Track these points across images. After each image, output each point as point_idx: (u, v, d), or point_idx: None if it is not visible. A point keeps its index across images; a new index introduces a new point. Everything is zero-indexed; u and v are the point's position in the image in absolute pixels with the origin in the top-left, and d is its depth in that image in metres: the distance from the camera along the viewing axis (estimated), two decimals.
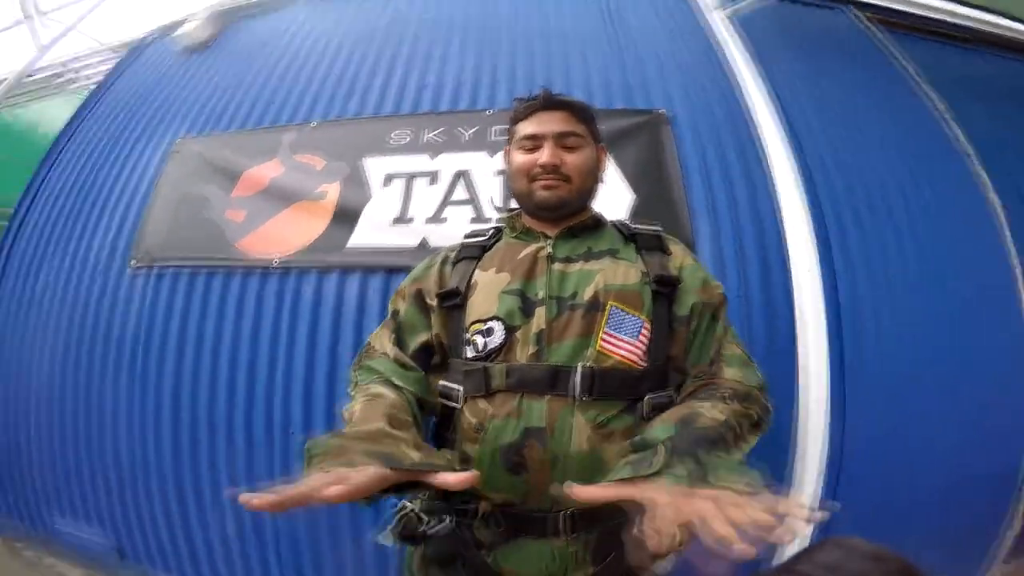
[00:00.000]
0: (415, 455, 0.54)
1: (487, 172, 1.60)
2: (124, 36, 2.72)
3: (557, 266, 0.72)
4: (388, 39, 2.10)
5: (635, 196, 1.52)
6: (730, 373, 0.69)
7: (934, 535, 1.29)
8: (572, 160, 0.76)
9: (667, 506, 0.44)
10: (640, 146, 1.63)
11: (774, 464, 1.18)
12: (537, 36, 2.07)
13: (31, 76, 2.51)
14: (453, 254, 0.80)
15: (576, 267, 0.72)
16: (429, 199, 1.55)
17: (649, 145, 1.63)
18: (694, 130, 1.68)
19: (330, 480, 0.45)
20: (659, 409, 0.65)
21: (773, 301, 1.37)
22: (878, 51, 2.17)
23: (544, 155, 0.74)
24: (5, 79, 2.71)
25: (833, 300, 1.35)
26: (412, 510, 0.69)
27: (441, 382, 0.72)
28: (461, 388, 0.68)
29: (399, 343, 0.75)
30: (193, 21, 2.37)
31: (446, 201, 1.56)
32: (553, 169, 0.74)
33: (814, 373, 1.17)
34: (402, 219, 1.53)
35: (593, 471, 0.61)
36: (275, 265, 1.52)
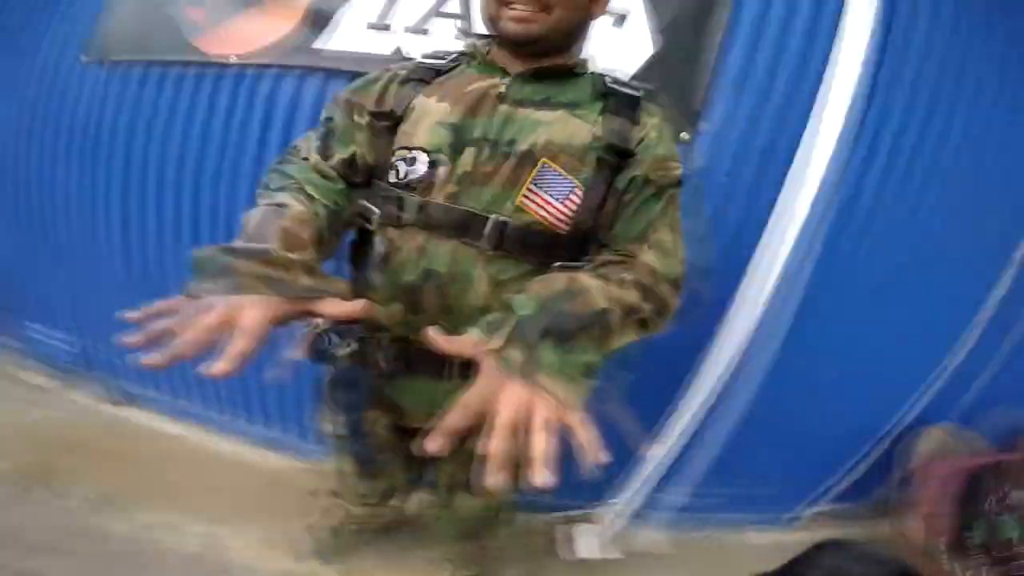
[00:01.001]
0: (305, 281, 0.48)
1: None
2: None
3: (504, 107, 0.65)
4: None
5: (654, 48, 1.26)
6: (647, 258, 0.61)
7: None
8: None
9: (484, 386, 0.42)
10: None
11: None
12: None
13: None
14: (404, 73, 0.72)
15: (524, 113, 0.64)
16: (414, 5, 1.36)
17: None
18: None
19: (220, 328, 0.40)
20: None
21: (761, 200, 1.21)
22: None
23: None
24: None
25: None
26: (324, 329, 0.68)
27: (361, 201, 0.68)
28: (378, 212, 0.66)
29: (324, 150, 0.69)
30: None
31: (433, 11, 1.36)
32: None
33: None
34: (378, 24, 1.34)
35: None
36: (232, 62, 1.35)
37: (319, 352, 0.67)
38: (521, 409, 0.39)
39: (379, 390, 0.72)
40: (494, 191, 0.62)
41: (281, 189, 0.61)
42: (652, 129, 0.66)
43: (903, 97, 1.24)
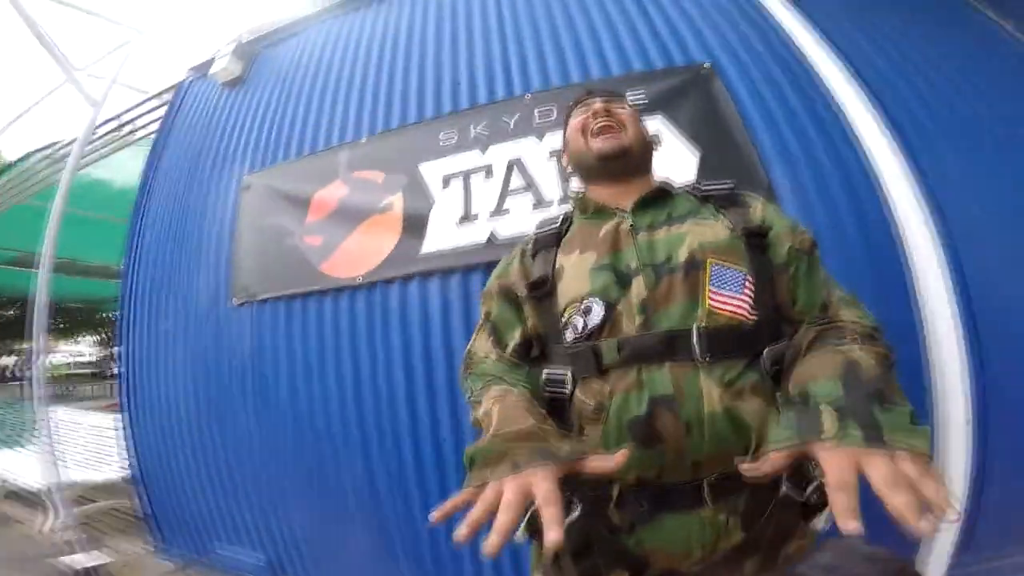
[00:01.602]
0: (565, 446, 0.54)
1: (539, 156, 1.62)
2: (163, 82, 2.89)
3: (642, 235, 0.71)
4: (412, 43, 2.12)
5: (699, 153, 1.49)
6: (847, 315, 0.66)
7: None
8: (621, 112, 0.80)
9: (842, 469, 0.43)
10: (693, 103, 1.58)
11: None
12: (559, 12, 2.02)
13: (95, 134, 2.74)
14: (530, 246, 0.81)
15: (661, 233, 0.71)
16: (489, 193, 1.60)
17: (702, 101, 1.58)
18: (746, 79, 1.62)
19: (521, 501, 0.46)
20: (780, 361, 0.63)
21: (874, 242, 1.31)
22: None
23: (596, 104, 0.80)
24: (67, 141, 2.95)
25: (945, 234, 1.26)
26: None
27: (545, 371, 0.70)
28: (569, 372, 0.67)
29: (498, 344, 0.76)
30: (221, 58, 2.48)
31: (505, 192, 1.60)
32: (606, 112, 0.78)
33: (942, 317, 1.08)
34: (467, 218, 1.59)
35: (731, 431, 0.59)
36: (360, 283, 1.62)
37: (539, 527, 0.68)
38: (891, 468, 0.42)
39: (619, 547, 0.65)
40: (680, 305, 0.64)
41: (486, 387, 0.69)
42: (765, 207, 0.75)
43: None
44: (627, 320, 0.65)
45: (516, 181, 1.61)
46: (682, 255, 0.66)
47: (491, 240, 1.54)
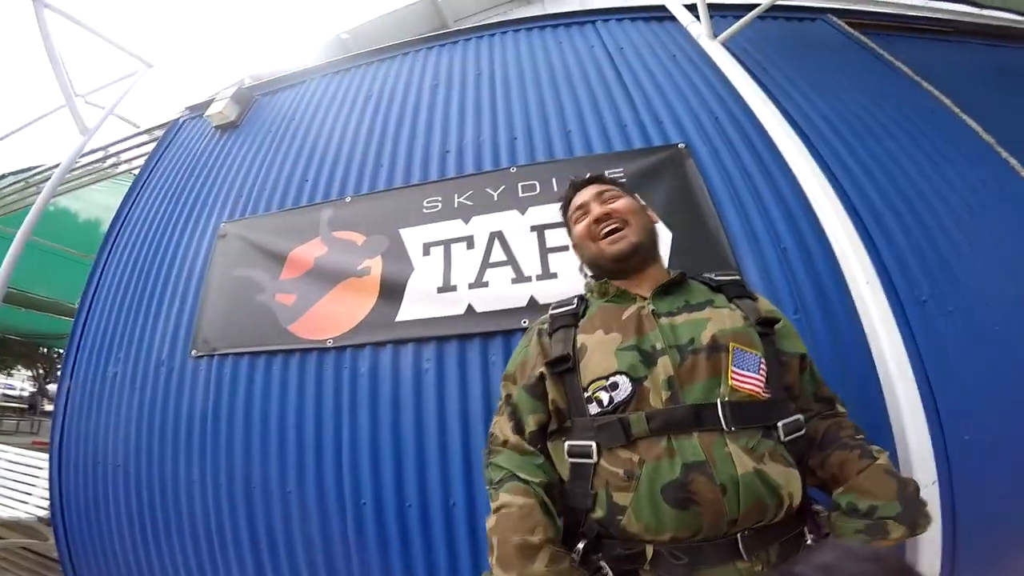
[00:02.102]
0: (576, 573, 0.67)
1: (521, 230, 1.65)
2: (157, 118, 2.89)
3: (664, 320, 0.78)
4: (405, 107, 2.21)
5: (672, 232, 1.54)
6: (842, 410, 0.84)
7: None
8: (617, 205, 0.89)
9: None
10: (666, 182, 1.66)
11: None
12: (547, 87, 2.15)
13: (77, 162, 2.67)
14: (546, 326, 0.87)
15: (682, 318, 0.78)
16: (469, 264, 1.61)
17: (675, 180, 1.66)
18: (716, 159, 1.72)
19: None
20: (792, 431, 0.73)
21: (835, 320, 1.36)
22: (866, 52, 2.23)
23: (594, 211, 0.89)
24: (47, 167, 2.88)
25: (899, 308, 1.35)
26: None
27: (569, 442, 0.75)
28: (594, 443, 0.72)
29: (518, 428, 0.81)
30: (220, 101, 2.52)
31: (485, 264, 1.61)
32: (606, 216, 0.88)
33: (903, 396, 1.12)
34: (446, 287, 1.58)
35: (763, 488, 0.66)
36: (329, 346, 1.58)
37: None
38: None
39: None
40: (704, 382, 0.71)
41: (501, 483, 0.76)
42: (773, 308, 0.88)
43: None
44: (654, 395, 0.71)
45: (496, 254, 1.63)
46: (705, 338, 0.74)
47: (469, 312, 1.53)
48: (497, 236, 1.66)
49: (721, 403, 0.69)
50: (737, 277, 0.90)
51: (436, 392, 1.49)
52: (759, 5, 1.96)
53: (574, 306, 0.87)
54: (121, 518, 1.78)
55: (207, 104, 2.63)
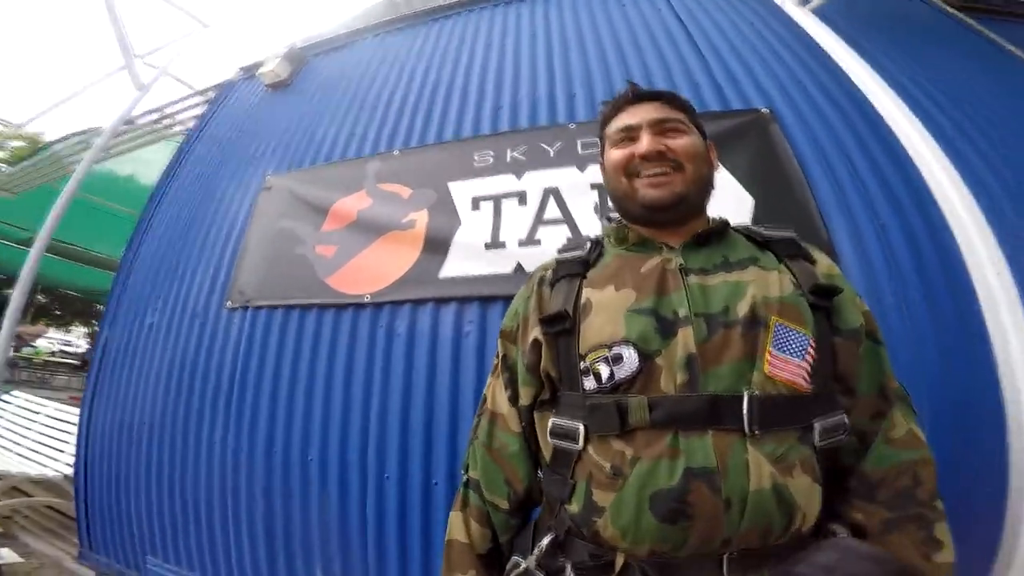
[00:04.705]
0: None
1: (579, 188, 1.49)
2: (211, 79, 2.92)
3: (693, 279, 0.61)
4: (459, 64, 2.10)
5: (753, 199, 1.37)
6: (900, 426, 0.61)
7: None
8: (677, 144, 0.66)
9: None
10: (749, 148, 1.48)
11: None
12: (610, 47, 1.99)
13: (131, 123, 2.74)
14: (549, 273, 0.70)
15: (718, 279, 0.61)
16: (520, 221, 1.46)
17: (759, 146, 1.48)
18: (804, 125, 1.54)
19: None
20: (831, 434, 0.56)
21: (942, 305, 1.16)
22: (971, 33, 1.98)
23: (643, 142, 0.65)
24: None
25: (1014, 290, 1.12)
26: (526, 567, 0.61)
27: (553, 419, 0.61)
28: (582, 426, 0.58)
29: (513, 397, 0.69)
30: (271, 60, 2.49)
31: (538, 222, 1.46)
32: (658, 157, 0.65)
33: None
34: (494, 244, 1.44)
35: (776, 509, 0.52)
36: (367, 301, 1.46)
37: None
38: None
39: None
40: (733, 366, 0.56)
41: (466, 492, 0.70)
42: (831, 266, 0.67)
43: None
44: (666, 375, 0.56)
45: (551, 211, 1.47)
46: (742, 308, 0.58)
47: (518, 271, 1.39)
48: (552, 193, 1.50)
49: (749, 396, 0.53)
50: (791, 233, 0.69)
51: (476, 359, 1.34)
52: None
53: (585, 251, 0.70)
54: (140, 480, 1.76)
55: (259, 65, 2.61)
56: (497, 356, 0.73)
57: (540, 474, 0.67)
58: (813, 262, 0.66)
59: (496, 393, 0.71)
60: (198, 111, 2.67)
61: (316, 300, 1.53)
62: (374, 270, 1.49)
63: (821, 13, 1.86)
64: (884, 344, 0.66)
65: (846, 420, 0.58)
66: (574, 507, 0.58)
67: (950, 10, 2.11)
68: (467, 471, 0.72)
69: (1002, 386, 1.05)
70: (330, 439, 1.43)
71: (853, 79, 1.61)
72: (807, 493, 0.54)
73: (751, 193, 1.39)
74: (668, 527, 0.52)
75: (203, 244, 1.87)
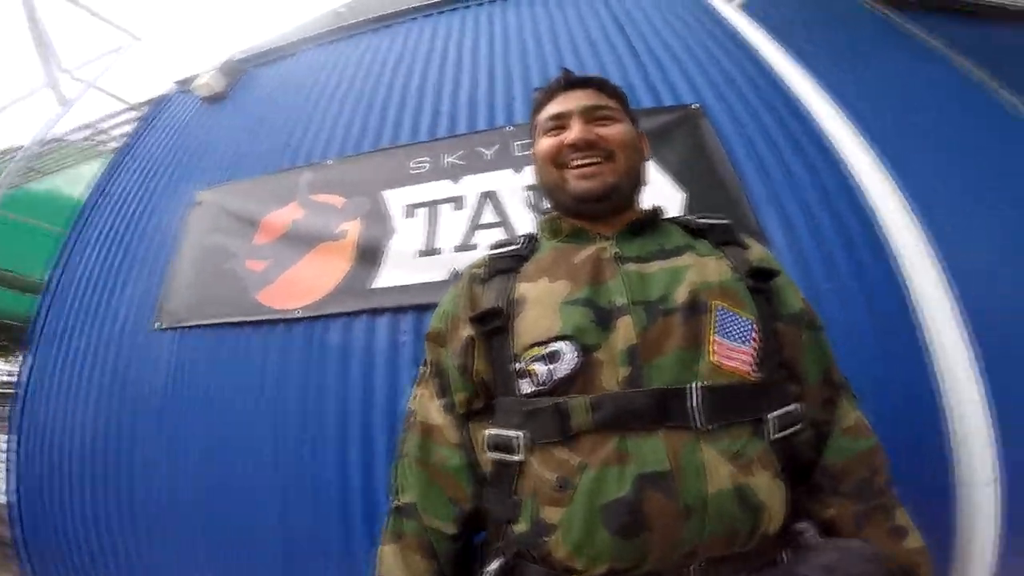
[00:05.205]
0: None
1: (515, 189, 1.48)
2: (146, 94, 2.80)
3: (630, 266, 0.59)
4: (397, 73, 2.08)
5: (685, 194, 1.39)
6: (850, 415, 0.62)
7: None
8: (609, 132, 0.64)
9: None
10: (680, 143, 1.51)
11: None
12: (549, 50, 2.01)
13: (59, 141, 2.62)
14: (482, 270, 0.66)
15: (655, 266, 0.59)
16: (456, 226, 1.44)
17: (689, 141, 1.51)
18: (734, 120, 1.57)
19: None
20: (786, 425, 0.54)
21: (875, 290, 1.19)
22: (894, 28, 2.10)
23: (573, 131, 0.63)
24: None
25: (947, 280, 1.16)
26: None
27: (489, 431, 0.56)
28: (521, 435, 0.53)
29: (449, 405, 0.63)
30: (206, 73, 2.42)
31: (474, 226, 1.43)
32: (587, 146, 0.62)
33: (961, 373, 0.97)
34: (429, 251, 1.41)
35: (741, 512, 0.48)
36: (299, 316, 1.41)
37: None
38: None
39: None
40: (676, 355, 0.52)
41: (399, 518, 0.62)
42: (764, 250, 0.68)
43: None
44: (608, 371, 0.52)
45: (488, 215, 1.46)
46: (681, 295, 0.55)
47: (453, 276, 1.35)
48: (489, 196, 1.48)
49: (697, 388, 0.50)
50: (726, 220, 0.68)
51: (413, 369, 1.29)
52: None
53: (519, 246, 0.67)
54: (74, 504, 1.65)
55: (195, 77, 2.53)
56: (425, 363, 0.68)
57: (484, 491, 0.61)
58: (747, 248, 0.65)
59: (426, 403, 0.65)
60: (131, 126, 2.57)
61: (246, 317, 1.46)
62: (306, 284, 1.44)
63: (749, 9, 1.92)
64: (824, 330, 0.65)
65: (800, 410, 0.56)
66: (521, 527, 0.53)
67: (873, 4, 2.20)
68: (397, 496, 0.63)
69: (935, 373, 1.06)
70: (263, 459, 1.36)
71: (781, 74, 1.66)
72: (770, 491, 0.51)
73: (683, 189, 1.40)
74: (624, 542, 0.47)
75: (132, 263, 1.78)
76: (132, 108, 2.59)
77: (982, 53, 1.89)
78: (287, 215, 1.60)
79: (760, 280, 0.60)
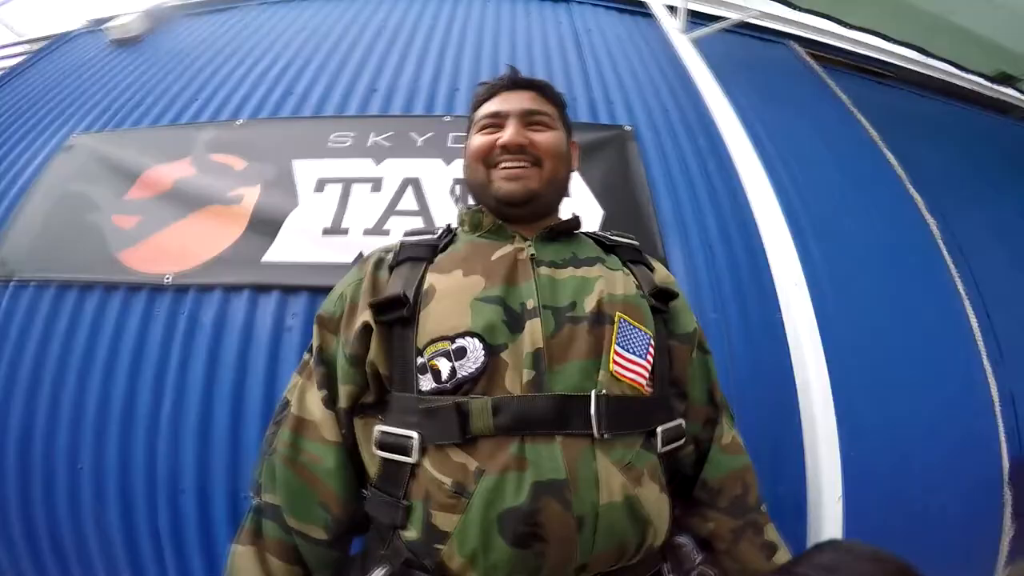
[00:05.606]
0: None
1: (442, 180, 1.40)
2: (51, 30, 2.43)
3: (544, 270, 0.59)
4: (339, 44, 1.95)
5: (604, 211, 1.41)
6: (728, 433, 0.67)
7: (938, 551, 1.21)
8: (541, 139, 0.65)
9: None
10: (606, 161, 1.54)
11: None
12: (504, 50, 2.00)
13: None
14: (390, 256, 0.64)
15: (567, 273, 0.60)
16: (370, 208, 1.33)
17: (616, 160, 1.55)
18: (658, 147, 1.65)
19: None
20: (672, 439, 0.57)
21: (752, 318, 1.29)
22: (818, 82, 2.31)
23: (507, 133, 0.63)
24: None
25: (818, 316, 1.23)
26: None
27: (380, 428, 0.53)
28: (417, 435, 0.51)
29: (330, 400, 0.58)
30: (128, 15, 2.14)
31: (391, 211, 1.33)
32: (518, 150, 0.63)
33: (818, 397, 1.02)
34: (335, 229, 1.29)
35: (629, 524, 0.49)
36: (167, 283, 1.21)
37: None
38: None
39: None
40: (579, 363, 0.52)
41: (260, 518, 0.57)
42: (668, 275, 0.72)
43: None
44: (512, 373, 0.51)
45: (407, 202, 1.36)
46: (589, 304, 0.56)
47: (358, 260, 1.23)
48: (412, 183, 1.39)
49: (596, 397, 0.50)
50: (634, 241, 0.72)
51: (298, 357, 1.15)
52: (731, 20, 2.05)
53: (435, 236, 0.66)
54: None
55: (112, 18, 2.23)
56: (310, 349, 0.63)
57: (365, 493, 0.56)
58: (652, 269, 0.69)
59: (305, 394, 0.60)
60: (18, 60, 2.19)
61: (102, 277, 1.24)
62: (182, 248, 1.25)
63: (699, 44, 2.01)
64: (711, 353, 0.69)
65: (683, 425, 0.59)
66: (411, 533, 0.50)
67: (806, 59, 2.41)
68: (259, 494, 0.58)
69: (796, 386, 1.11)
70: (107, 446, 1.15)
71: (712, 110, 1.72)
72: (657, 504, 0.52)
73: (602, 206, 1.42)
74: (521, 552, 0.46)
75: None
76: (27, 42, 2.21)
77: (879, 114, 2.13)
78: (174, 171, 1.39)
79: (661, 300, 0.63)
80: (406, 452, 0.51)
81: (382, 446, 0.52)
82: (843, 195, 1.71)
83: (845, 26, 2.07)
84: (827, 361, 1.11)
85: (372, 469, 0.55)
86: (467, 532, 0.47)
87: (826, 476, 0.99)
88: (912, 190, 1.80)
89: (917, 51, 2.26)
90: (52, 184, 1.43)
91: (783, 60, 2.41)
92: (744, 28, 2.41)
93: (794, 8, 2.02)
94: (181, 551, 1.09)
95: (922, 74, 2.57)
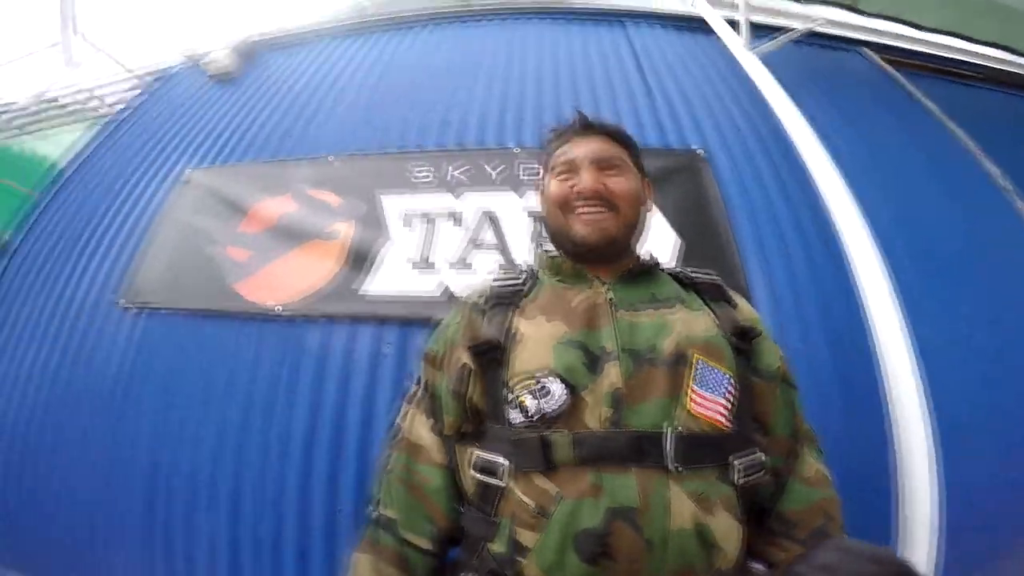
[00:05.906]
0: None
1: (517, 213, 1.46)
2: (153, 64, 2.70)
3: (623, 314, 0.62)
4: (412, 79, 2.05)
5: (680, 239, 1.40)
6: (811, 466, 0.66)
7: None
8: (616, 184, 0.67)
9: None
10: (680, 187, 1.52)
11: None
12: (565, 76, 2.02)
13: (56, 101, 2.49)
14: (483, 300, 0.69)
15: (645, 315, 0.62)
16: (453, 242, 1.41)
17: (689, 186, 1.53)
18: (734, 169, 1.60)
19: None
20: (749, 471, 0.58)
21: (844, 350, 1.23)
22: (899, 90, 2.15)
23: (583, 180, 0.66)
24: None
25: (915, 347, 1.16)
26: None
27: (478, 454, 0.59)
28: (507, 462, 0.56)
29: (436, 427, 0.65)
30: (221, 50, 2.35)
31: (472, 245, 1.41)
32: (594, 195, 0.66)
33: (914, 431, 0.98)
34: (423, 263, 1.38)
35: (699, 550, 0.52)
36: (278, 313, 1.35)
37: None
38: None
39: None
40: (657, 402, 0.56)
41: (377, 530, 0.63)
42: (751, 311, 0.71)
43: None
44: (591, 411, 0.56)
45: (486, 235, 1.44)
46: (668, 346, 0.59)
47: (445, 293, 1.33)
48: (490, 216, 1.47)
49: (672, 433, 0.54)
50: (716, 278, 0.72)
51: (393, 383, 1.26)
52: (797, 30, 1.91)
53: (520, 281, 0.70)
54: (9, 496, 1.50)
55: (207, 53, 2.46)
56: (418, 382, 0.70)
57: (462, 509, 0.63)
58: (735, 306, 0.69)
59: (415, 422, 0.67)
60: (131, 94, 2.46)
61: (221, 307, 1.39)
62: (289, 280, 1.39)
63: (766, 59, 1.96)
64: (797, 388, 0.69)
65: (763, 458, 0.60)
66: (498, 547, 0.56)
67: (883, 65, 2.28)
68: (378, 508, 0.66)
69: (890, 412, 1.06)
70: (223, 461, 1.29)
71: (787, 128, 1.67)
72: (728, 532, 0.54)
73: (677, 232, 1.41)
74: (592, 569, 0.51)
75: (103, 235, 1.68)
76: (135, 76, 2.48)
77: (973, 120, 1.97)
78: (279, 206, 1.54)
79: (742, 339, 0.64)
80: (497, 475, 0.57)
81: (478, 468, 0.59)
82: (939, 211, 1.61)
83: (919, 29, 1.94)
84: (928, 396, 1.05)
85: (470, 489, 0.61)
86: (545, 548, 0.52)
87: (920, 521, 0.93)
88: (1019, 203, 1.65)
89: (1005, 50, 2.11)
90: (175, 217, 1.62)
91: (857, 69, 2.26)
92: (811, 38, 2.31)
93: (861, 14, 1.92)
94: (278, 558, 1.19)
95: (1014, 73, 2.36)
